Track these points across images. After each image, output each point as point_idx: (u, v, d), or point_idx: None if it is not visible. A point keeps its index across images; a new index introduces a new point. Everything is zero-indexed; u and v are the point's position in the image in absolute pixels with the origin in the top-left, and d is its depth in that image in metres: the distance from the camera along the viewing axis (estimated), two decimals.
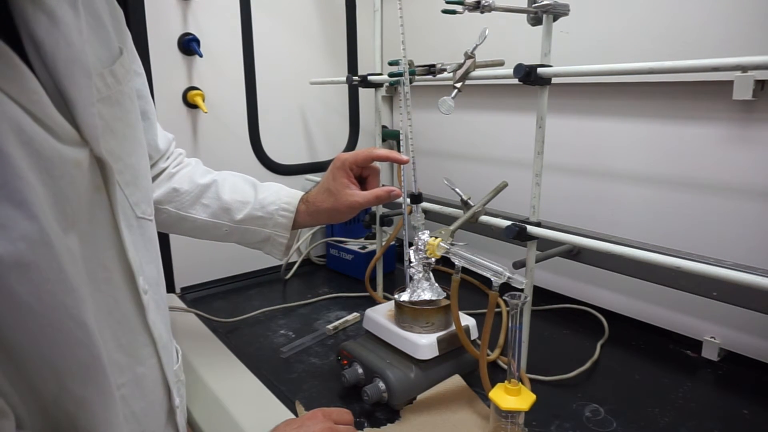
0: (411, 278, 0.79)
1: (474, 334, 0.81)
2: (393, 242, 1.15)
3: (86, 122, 0.43)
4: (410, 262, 0.78)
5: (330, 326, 1.00)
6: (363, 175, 0.81)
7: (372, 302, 1.06)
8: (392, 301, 0.82)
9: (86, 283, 0.44)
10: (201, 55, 1.11)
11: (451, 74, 0.79)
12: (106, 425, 0.46)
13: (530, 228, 0.75)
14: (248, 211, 0.80)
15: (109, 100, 0.48)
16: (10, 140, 0.36)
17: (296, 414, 0.75)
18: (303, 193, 0.83)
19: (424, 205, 0.86)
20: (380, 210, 1.09)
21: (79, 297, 0.42)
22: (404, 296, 0.78)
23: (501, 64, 0.81)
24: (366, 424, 0.73)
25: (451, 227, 0.76)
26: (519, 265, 0.78)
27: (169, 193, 0.79)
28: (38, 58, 0.40)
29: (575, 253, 0.88)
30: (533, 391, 0.66)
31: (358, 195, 0.78)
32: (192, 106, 1.14)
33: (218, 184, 0.81)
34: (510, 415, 0.65)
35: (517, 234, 0.75)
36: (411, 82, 0.81)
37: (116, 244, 0.49)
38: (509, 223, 0.76)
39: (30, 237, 0.37)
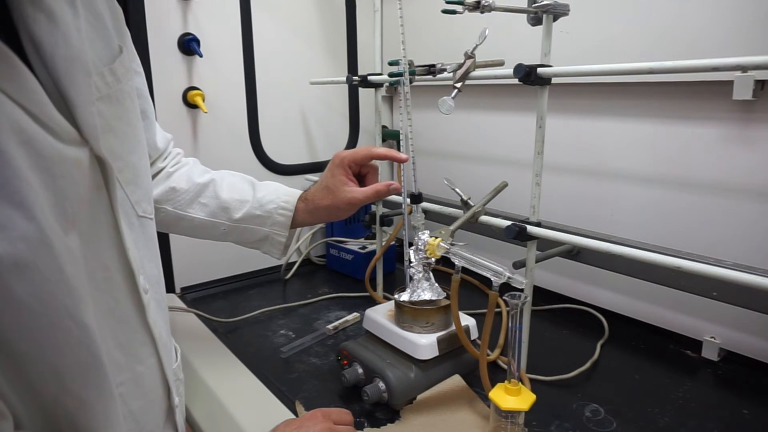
0: (411, 278, 0.79)
1: (474, 334, 0.81)
2: (393, 242, 1.15)
3: (86, 121, 0.43)
4: (410, 262, 0.78)
5: (330, 326, 1.00)
6: (362, 173, 0.81)
7: (372, 302, 1.06)
8: (392, 301, 0.82)
9: (86, 282, 0.44)
10: (201, 55, 1.11)
11: (451, 74, 0.79)
12: (106, 425, 0.46)
13: (530, 228, 0.75)
14: (247, 209, 0.80)
15: (109, 99, 0.48)
16: (10, 140, 0.36)
17: (296, 414, 0.75)
18: (302, 191, 0.83)
19: (424, 205, 0.86)
20: (380, 210, 1.09)
21: (78, 297, 0.42)
22: (404, 296, 0.78)
23: (501, 64, 0.81)
24: (366, 424, 0.73)
25: (451, 227, 0.76)
26: (519, 265, 0.78)
27: (167, 192, 0.79)
28: (37, 58, 0.40)
29: (575, 253, 0.88)
30: (533, 391, 0.66)
31: (357, 191, 0.78)
32: (192, 106, 1.14)
33: (216, 183, 0.81)
34: (510, 415, 0.65)
35: (517, 234, 0.75)
36: (411, 82, 0.81)
37: (117, 243, 0.49)
38: (509, 223, 0.76)
39: (29, 237, 0.37)
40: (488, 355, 0.82)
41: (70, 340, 0.42)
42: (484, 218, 0.81)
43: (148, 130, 0.72)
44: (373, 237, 1.32)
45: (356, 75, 1.07)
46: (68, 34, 0.41)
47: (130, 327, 0.51)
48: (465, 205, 0.82)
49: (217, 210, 0.80)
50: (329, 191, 0.79)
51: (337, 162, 0.79)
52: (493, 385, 0.67)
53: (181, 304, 1.11)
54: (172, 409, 0.60)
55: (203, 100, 1.13)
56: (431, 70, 0.83)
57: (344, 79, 1.09)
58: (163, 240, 1.14)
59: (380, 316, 0.82)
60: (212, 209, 0.80)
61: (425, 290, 0.78)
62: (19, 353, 0.39)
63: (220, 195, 0.80)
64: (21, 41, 0.40)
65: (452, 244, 0.72)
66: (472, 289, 1.09)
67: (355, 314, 1.05)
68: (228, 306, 1.13)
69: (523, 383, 0.71)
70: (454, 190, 0.82)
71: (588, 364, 0.86)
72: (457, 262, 0.71)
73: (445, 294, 0.78)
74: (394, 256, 1.34)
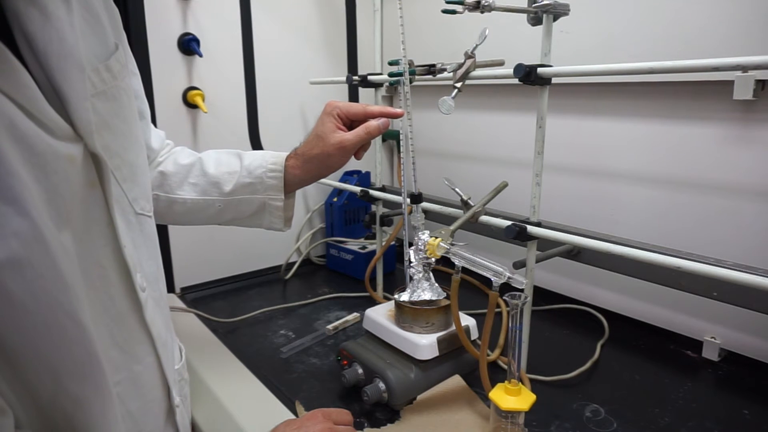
0: (411, 278, 0.79)
1: (474, 334, 0.81)
2: (393, 242, 1.15)
3: (80, 117, 0.43)
4: (410, 262, 0.78)
5: (330, 326, 1.00)
6: (353, 127, 0.78)
7: (372, 302, 1.06)
8: (392, 301, 0.82)
9: (81, 280, 0.44)
10: (201, 55, 1.11)
11: (451, 74, 0.79)
12: (103, 424, 0.46)
13: (530, 228, 0.75)
14: (237, 180, 0.78)
15: (105, 96, 0.47)
16: (2, 136, 0.36)
17: (296, 414, 0.75)
18: (289, 152, 0.81)
19: (424, 205, 0.86)
20: (380, 210, 1.09)
21: (73, 294, 0.42)
22: (404, 296, 0.78)
23: (501, 64, 0.81)
24: (366, 424, 0.72)
25: (451, 227, 0.76)
26: (519, 265, 0.78)
27: (156, 177, 0.78)
28: (31, 54, 0.40)
29: (575, 253, 0.88)
30: (533, 391, 0.66)
31: (347, 134, 0.75)
32: (192, 106, 1.14)
33: (202, 161, 0.80)
34: (510, 415, 0.65)
35: (517, 234, 0.75)
36: (411, 82, 0.81)
37: (112, 241, 0.49)
38: (509, 223, 0.76)
39: (22, 234, 0.37)
40: (488, 355, 0.82)
41: (66, 337, 0.42)
42: (484, 218, 0.81)
43: (145, 131, 0.72)
44: (373, 237, 1.32)
45: (356, 75, 1.07)
46: (62, 29, 0.41)
47: (127, 325, 0.51)
48: (465, 205, 0.82)
49: (208, 187, 0.78)
50: (319, 138, 0.76)
51: (328, 110, 0.77)
52: (493, 385, 0.67)
53: (181, 304, 1.11)
54: (173, 410, 0.59)
55: (203, 100, 1.13)
56: (431, 70, 0.83)
57: (344, 78, 1.09)
58: (163, 240, 1.14)
59: (380, 316, 0.82)
60: (202, 187, 0.78)
61: (425, 290, 0.78)
62: (14, 351, 0.39)
63: (207, 171, 0.78)
64: (14, 37, 0.39)
65: (452, 244, 0.72)
66: (472, 289, 1.09)
67: (355, 314, 1.05)
68: (228, 306, 1.13)
69: (523, 383, 0.71)
70: (454, 190, 0.82)
71: (588, 364, 0.86)
72: (457, 262, 0.71)
73: (445, 294, 0.78)
74: (394, 256, 1.34)
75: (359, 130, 0.76)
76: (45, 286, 0.40)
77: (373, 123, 0.76)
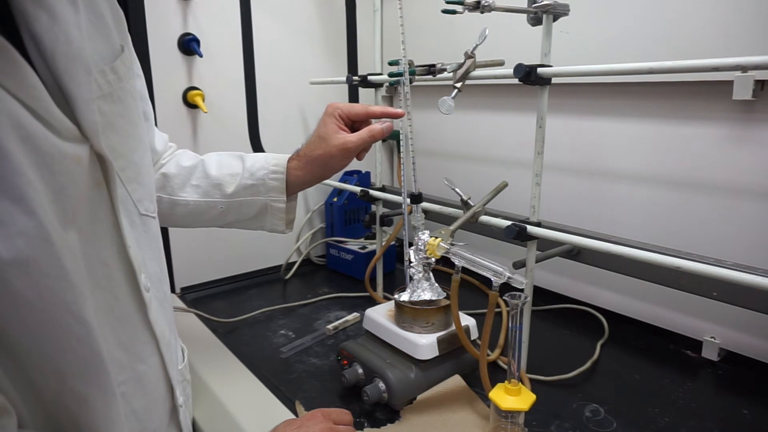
0: (411, 278, 0.79)
1: (474, 334, 0.81)
2: (393, 242, 1.15)
3: (86, 118, 0.43)
4: (410, 262, 0.78)
5: (330, 326, 1.00)
6: (355, 128, 0.78)
7: (372, 302, 1.06)
8: (392, 301, 0.82)
9: (86, 279, 0.44)
10: (201, 55, 1.11)
11: (451, 74, 0.79)
12: (107, 423, 0.46)
13: (530, 228, 0.75)
14: (239, 182, 0.78)
15: (111, 97, 0.48)
16: (9, 136, 0.36)
17: (296, 414, 0.75)
18: (291, 154, 0.81)
19: (424, 205, 0.86)
20: (380, 210, 1.09)
21: (78, 293, 0.42)
22: (404, 296, 0.78)
23: (501, 64, 0.81)
24: (366, 424, 0.73)
25: (451, 227, 0.76)
26: (519, 265, 0.78)
27: (159, 179, 0.78)
28: (38, 55, 0.40)
29: (575, 253, 0.88)
30: (533, 391, 0.66)
31: (350, 135, 0.75)
32: (192, 106, 1.14)
33: (205, 163, 0.79)
34: (510, 415, 0.65)
35: (517, 234, 0.75)
36: (411, 82, 0.81)
37: (117, 241, 0.49)
38: (509, 223, 0.76)
39: (28, 233, 0.37)
40: (488, 355, 0.82)
41: (70, 336, 0.42)
42: (484, 218, 0.81)
43: (148, 133, 0.72)
44: (373, 237, 1.32)
45: (356, 75, 1.07)
46: (69, 31, 0.42)
47: (132, 325, 0.51)
48: (465, 205, 0.82)
49: (210, 188, 0.78)
50: (321, 139, 0.76)
51: (329, 111, 0.77)
52: (493, 385, 0.67)
53: (181, 304, 1.11)
54: (176, 409, 0.60)
55: (203, 100, 1.13)
56: (431, 70, 0.83)
57: (344, 79, 1.09)
58: (164, 240, 1.13)
59: (380, 316, 0.82)
60: (205, 189, 0.78)
61: (425, 290, 0.78)
62: (19, 349, 0.39)
63: (209, 173, 0.78)
64: (22, 38, 0.40)
65: (452, 244, 0.72)
66: (472, 289, 1.09)
67: (355, 314, 1.05)
68: (228, 306, 1.13)
69: (523, 383, 0.71)
70: (454, 190, 0.82)
71: (588, 364, 0.86)
72: (457, 262, 0.71)
73: (445, 294, 0.78)
74: (394, 256, 1.34)
75: (362, 133, 0.75)
76: (50, 285, 0.40)
77: (377, 126, 0.76)
